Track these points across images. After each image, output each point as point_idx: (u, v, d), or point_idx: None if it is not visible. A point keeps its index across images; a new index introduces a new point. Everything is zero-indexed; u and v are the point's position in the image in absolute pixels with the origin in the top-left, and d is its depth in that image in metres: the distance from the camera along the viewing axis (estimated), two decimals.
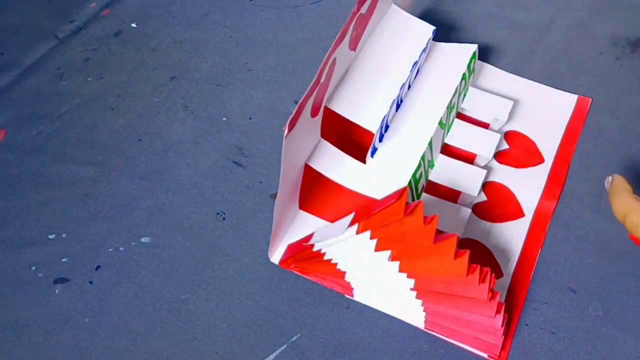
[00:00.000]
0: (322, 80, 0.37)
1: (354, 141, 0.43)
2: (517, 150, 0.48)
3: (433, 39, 0.47)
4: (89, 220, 0.46)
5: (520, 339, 0.40)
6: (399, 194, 0.34)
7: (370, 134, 0.41)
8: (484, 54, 0.54)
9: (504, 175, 0.47)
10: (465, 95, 0.49)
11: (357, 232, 0.35)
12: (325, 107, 0.40)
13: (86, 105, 0.52)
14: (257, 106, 0.52)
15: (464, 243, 0.43)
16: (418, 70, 0.46)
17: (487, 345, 0.38)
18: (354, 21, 0.39)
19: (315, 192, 0.46)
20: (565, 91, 0.51)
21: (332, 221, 0.44)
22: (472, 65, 0.48)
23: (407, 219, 0.34)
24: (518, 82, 0.52)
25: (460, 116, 0.49)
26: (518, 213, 0.45)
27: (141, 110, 0.52)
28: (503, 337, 0.38)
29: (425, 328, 0.40)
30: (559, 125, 0.49)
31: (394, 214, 0.34)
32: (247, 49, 0.56)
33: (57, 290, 0.43)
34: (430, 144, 0.43)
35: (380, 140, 0.43)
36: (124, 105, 0.52)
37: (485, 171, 0.45)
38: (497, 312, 0.36)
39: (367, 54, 0.43)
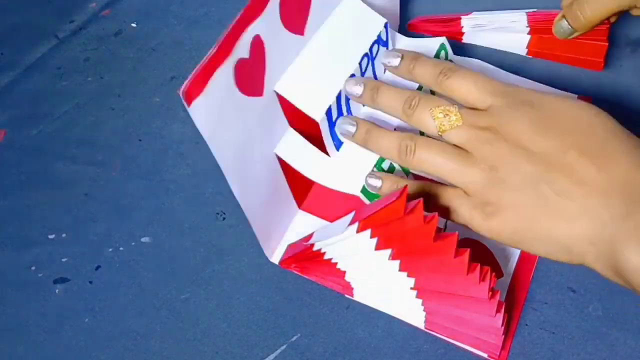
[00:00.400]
0: (238, 53, 0.35)
1: (314, 132, 0.41)
2: None
3: (403, 34, 0.47)
4: (89, 220, 0.46)
5: (520, 339, 0.40)
6: (399, 192, 0.34)
7: (315, 123, 0.39)
8: (484, 54, 0.54)
9: None
10: None
11: (357, 231, 0.35)
12: (277, 94, 0.39)
13: (86, 105, 0.52)
14: None
15: (464, 242, 0.43)
16: (375, 65, 0.45)
17: (487, 344, 0.38)
18: None
19: (311, 190, 0.46)
20: (565, 91, 0.51)
21: (332, 220, 0.44)
22: (443, 58, 0.47)
23: (407, 218, 0.34)
24: (518, 83, 0.52)
25: None
26: None
27: (141, 110, 0.52)
28: (503, 336, 0.38)
29: (425, 328, 0.40)
30: None
31: (394, 213, 0.34)
32: None
33: (57, 290, 0.43)
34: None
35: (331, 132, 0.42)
36: (124, 105, 0.52)
37: None
38: (497, 311, 0.36)
39: (317, 39, 0.42)
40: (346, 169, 0.41)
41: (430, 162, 0.36)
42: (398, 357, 0.40)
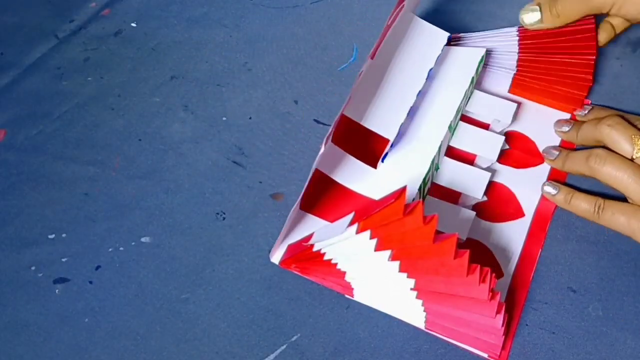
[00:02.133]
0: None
1: (367, 147, 0.43)
2: (518, 150, 0.48)
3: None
4: (89, 220, 0.46)
5: (520, 339, 0.40)
6: (398, 193, 0.34)
7: (384, 140, 0.41)
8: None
9: (505, 175, 0.47)
10: (469, 97, 0.49)
11: (357, 232, 0.35)
12: (342, 114, 0.41)
13: (86, 105, 0.52)
14: (257, 106, 0.52)
15: (465, 243, 0.43)
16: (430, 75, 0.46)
17: (487, 345, 0.38)
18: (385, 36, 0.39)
19: (320, 194, 0.46)
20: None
21: (332, 221, 0.44)
22: (479, 69, 0.48)
23: (406, 219, 0.34)
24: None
25: (464, 118, 0.49)
26: (518, 213, 0.45)
27: (141, 110, 0.52)
28: (504, 337, 0.38)
29: (426, 328, 0.40)
30: None
31: (393, 214, 0.34)
32: (247, 49, 0.56)
33: (57, 290, 0.43)
34: (439, 147, 0.44)
35: (392, 145, 0.43)
36: (124, 105, 0.52)
37: (489, 174, 0.45)
38: (498, 312, 0.36)
39: (384, 61, 0.44)
40: (393, 182, 0.42)
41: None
42: (398, 357, 0.40)
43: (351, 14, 0.57)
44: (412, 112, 0.44)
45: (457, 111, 0.46)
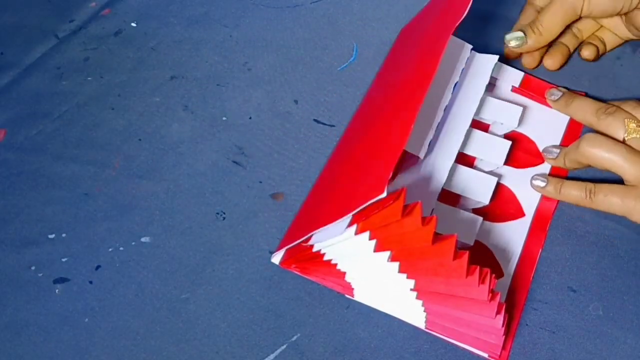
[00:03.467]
0: None
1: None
2: (518, 150, 0.48)
3: None
4: (89, 220, 0.46)
5: (520, 339, 0.40)
6: (397, 194, 0.34)
7: (413, 157, 0.42)
8: (484, 53, 0.54)
9: (505, 175, 0.47)
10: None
11: (356, 233, 0.35)
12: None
13: (86, 105, 0.52)
14: (257, 106, 0.52)
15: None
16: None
17: (488, 345, 0.38)
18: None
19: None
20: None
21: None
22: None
23: (405, 220, 0.34)
24: (517, 80, 0.52)
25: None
26: (518, 213, 0.45)
27: (141, 110, 0.52)
28: (504, 337, 0.38)
29: (426, 328, 0.40)
30: (559, 125, 0.49)
31: (392, 215, 0.34)
32: (247, 49, 0.56)
33: (57, 290, 0.43)
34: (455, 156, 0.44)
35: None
36: (124, 104, 0.52)
37: (496, 178, 0.45)
38: (498, 312, 0.36)
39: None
40: (413, 193, 0.41)
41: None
42: (398, 357, 0.40)
43: (351, 13, 0.57)
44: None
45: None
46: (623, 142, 0.42)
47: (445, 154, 0.44)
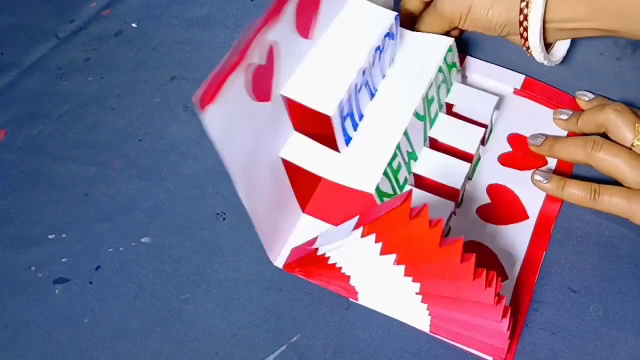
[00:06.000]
0: (254, 60, 0.35)
1: (324, 130, 0.42)
2: (521, 153, 0.48)
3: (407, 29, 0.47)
4: (89, 220, 0.46)
5: (521, 340, 0.40)
6: (404, 197, 0.34)
7: (326, 118, 0.40)
8: (485, 54, 0.54)
9: (508, 177, 0.47)
10: (449, 89, 0.48)
11: (362, 236, 0.35)
12: (285, 97, 0.39)
13: (86, 105, 0.52)
14: None
15: (469, 246, 0.43)
16: (393, 60, 0.45)
17: (492, 348, 0.38)
18: (288, 2, 0.37)
19: (315, 193, 0.46)
20: (566, 92, 0.51)
21: (336, 224, 0.44)
22: (450, 59, 0.47)
23: (412, 222, 0.34)
24: (519, 82, 0.52)
25: (448, 111, 0.48)
26: (522, 216, 0.45)
27: (141, 110, 0.52)
28: (509, 340, 0.37)
29: (430, 331, 0.40)
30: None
31: (399, 217, 0.34)
32: None
33: (57, 290, 0.43)
34: (406, 134, 0.43)
35: (355, 129, 0.42)
36: (124, 105, 0.52)
37: (469, 164, 0.45)
38: (504, 316, 0.36)
39: (324, 40, 0.42)
40: (357, 166, 0.41)
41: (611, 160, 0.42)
42: (398, 358, 0.40)
43: None
44: (373, 95, 0.43)
45: (427, 100, 0.45)
46: (630, 148, 0.42)
47: (391, 130, 0.43)
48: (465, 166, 0.45)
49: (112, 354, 0.40)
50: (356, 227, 0.35)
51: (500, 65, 0.53)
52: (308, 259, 0.40)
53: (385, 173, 0.41)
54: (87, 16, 0.58)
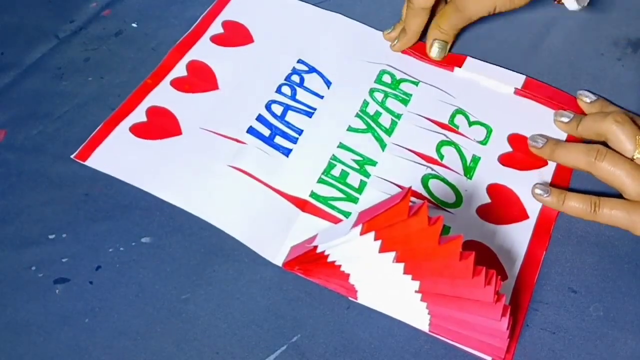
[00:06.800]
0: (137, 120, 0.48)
1: None
2: (521, 153, 0.48)
3: None
4: (89, 220, 0.46)
5: (521, 340, 0.40)
6: (403, 194, 0.34)
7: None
8: (485, 54, 0.54)
9: (508, 177, 0.47)
10: (407, 100, 0.51)
11: (361, 233, 0.35)
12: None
13: (86, 105, 0.52)
14: None
15: (469, 245, 0.43)
16: (330, 82, 0.52)
17: (492, 348, 0.38)
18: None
19: None
20: (567, 92, 0.51)
21: (336, 222, 0.44)
22: (388, 79, 0.52)
23: (411, 220, 0.34)
24: (520, 83, 0.52)
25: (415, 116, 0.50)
26: (522, 215, 0.45)
27: None
28: (508, 340, 0.37)
29: (430, 331, 0.40)
30: None
31: (398, 215, 0.34)
32: None
33: (57, 290, 0.43)
34: (343, 146, 0.48)
35: (295, 142, 0.48)
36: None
37: (424, 167, 0.47)
38: (503, 314, 0.36)
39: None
40: (295, 174, 0.46)
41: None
42: (398, 358, 0.40)
43: (353, 16, 0.57)
44: (311, 115, 0.50)
45: (370, 116, 0.49)
46: (632, 159, 0.43)
47: (327, 143, 0.48)
48: (421, 170, 0.46)
49: (113, 353, 0.40)
50: (355, 224, 0.35)
51: (500, 66, 0.53)
52: (307, 257, 0.40)
53: (321, 180, 0.46)
54: (87, 16, 0.58)
